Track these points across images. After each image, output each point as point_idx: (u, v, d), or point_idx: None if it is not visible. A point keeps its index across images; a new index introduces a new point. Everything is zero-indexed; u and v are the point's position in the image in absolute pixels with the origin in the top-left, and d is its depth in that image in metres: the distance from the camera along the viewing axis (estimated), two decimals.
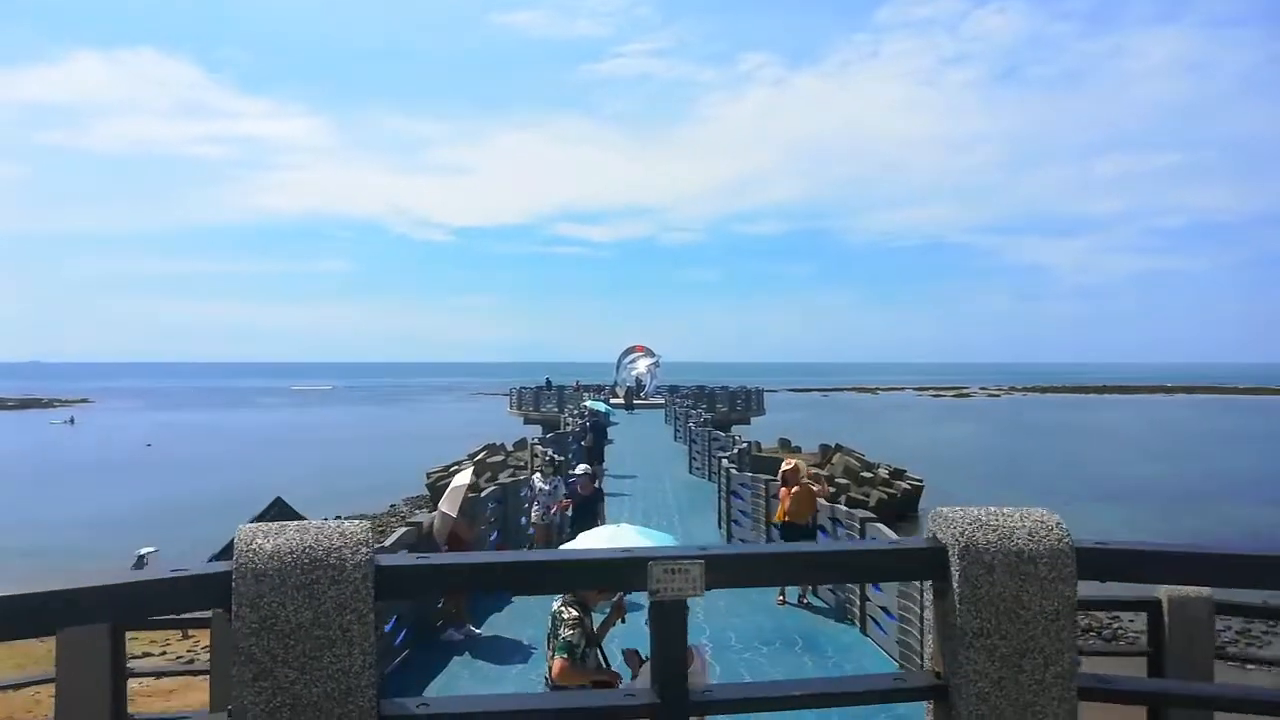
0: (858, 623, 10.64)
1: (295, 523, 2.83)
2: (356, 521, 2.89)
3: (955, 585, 2.94)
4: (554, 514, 13.39)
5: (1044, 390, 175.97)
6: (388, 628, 9.12)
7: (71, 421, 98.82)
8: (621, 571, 3.06)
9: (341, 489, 47.68)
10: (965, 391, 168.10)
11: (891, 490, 39.41)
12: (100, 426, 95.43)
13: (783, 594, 11.76)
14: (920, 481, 41.40)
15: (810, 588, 11.89)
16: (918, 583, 8.13)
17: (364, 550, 2.75)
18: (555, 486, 13.69)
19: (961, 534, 2.96)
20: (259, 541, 2.68)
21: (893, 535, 9.37)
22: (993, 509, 3.10)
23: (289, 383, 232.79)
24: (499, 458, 43.12)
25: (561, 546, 7.75)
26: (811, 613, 11.60)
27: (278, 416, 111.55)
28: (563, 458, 20.86)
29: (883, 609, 9.69)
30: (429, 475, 42.62)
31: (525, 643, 10.45)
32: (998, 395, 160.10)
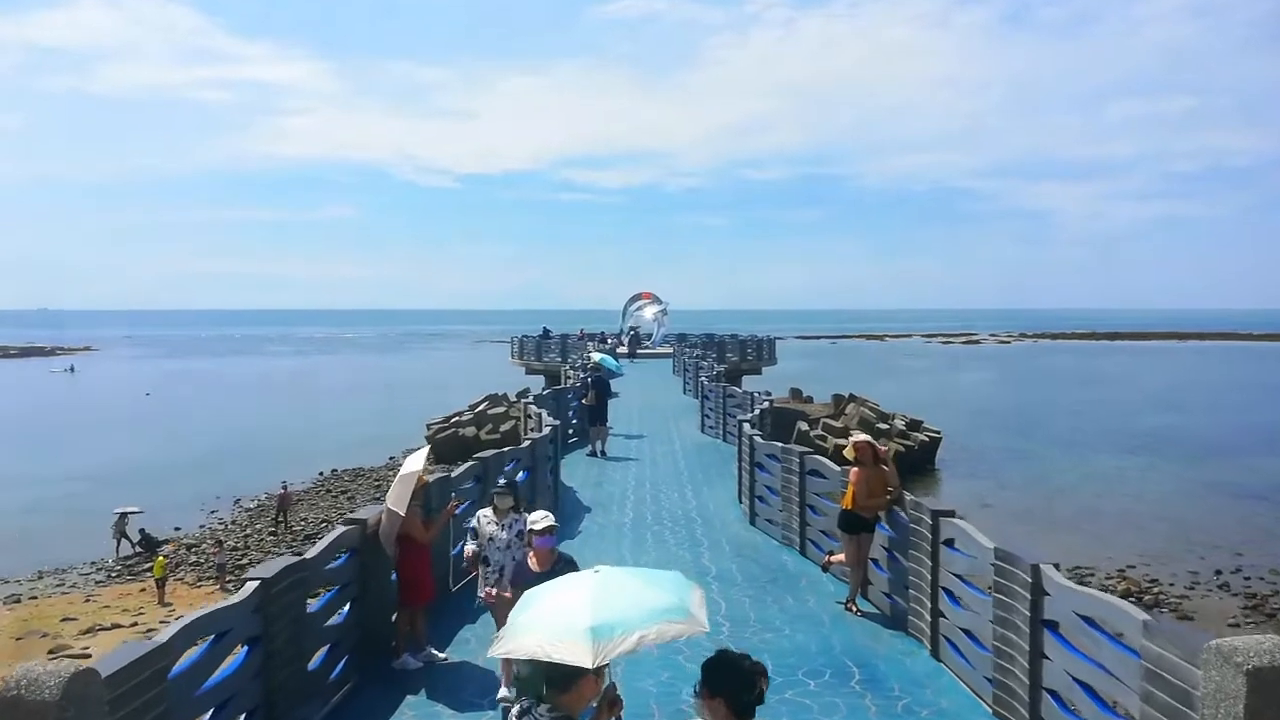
0: (927, 642, 8.29)
1: None
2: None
3: None
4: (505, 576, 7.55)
5: (1054, 337, 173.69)
6: (318, 660, 6.92)
7: (72, 370, 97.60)
8: None
9: (341, 439, 46.46)
10: (975, 338, 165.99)
11: (909, 442, 37.89)
12: (101, 375, 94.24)
13: (853, 600, 9.56)
14: (938, 433, 39.85)
15: (862, 590, 9.65)
16: (1025, 611, 6.43)
17: None
18: (514, 533, 7.71)
19: None
20: None
21: (974, 532, 7.44)
22: None
23: (295, 329, 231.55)
24: (500, 409, 41.64)
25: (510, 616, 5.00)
26: (866, 621, 9.25)
27: (281, 365, 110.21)
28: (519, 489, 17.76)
29: (965, 632, 7.54)
30: (429, 426, 41.24)
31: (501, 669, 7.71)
32: (1008, 342, 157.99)
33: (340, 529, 7.51)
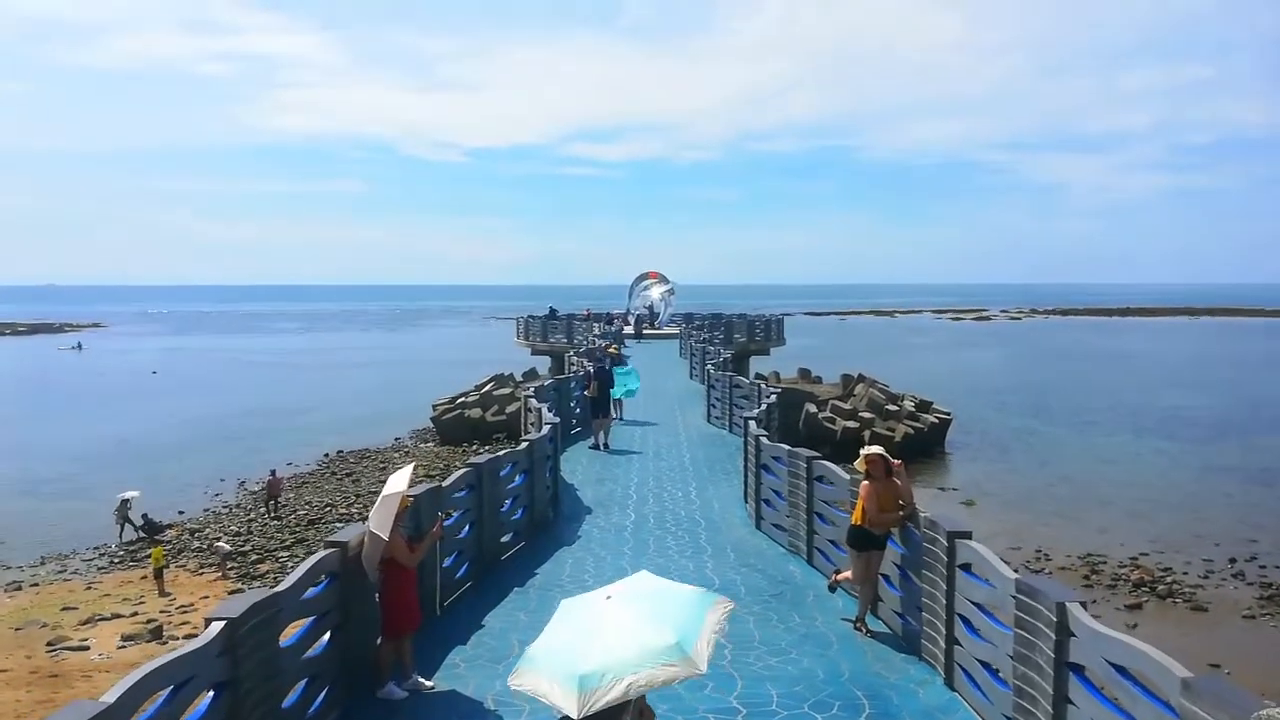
0: (941, 670, 7.77)
1: None
2: None
3: None
4: None
5: (1066, 313, 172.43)
6: (295, 695, 6.44)
7: (79, 347, 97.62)
8: None
9: (347, 418, 46.26)
10: (986, 315, 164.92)
11: (918, 424, 37.40)
12: (109, 352, 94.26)
13: (863, 619, 9.13)
14: (948, 415, 39.33)
15: (872, 608, 9.21)
16: (1049, 651, 5.93)
17: None
18: None
19: None
20: None
21: (993, 559, 6.89)
22: None
23: (302, 304, 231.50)
24: (507, 390, 41.27)
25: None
26: (876, 643, 8.73)
27: (288, 342, 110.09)
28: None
29: (983, 664, 7.03)
30: (435, 407, 40.89)
31: (497, 698, 7.32)
32: (1019, 318, 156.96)
33: (318, 554, 7.04)
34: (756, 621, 9.15)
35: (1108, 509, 28.02)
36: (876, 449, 8.93)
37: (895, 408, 38.65)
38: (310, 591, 6.81)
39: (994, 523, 25.85)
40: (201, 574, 22.56)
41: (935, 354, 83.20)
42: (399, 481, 7.25)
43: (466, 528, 10.27)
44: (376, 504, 7.21)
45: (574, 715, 4.44)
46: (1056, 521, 26.61)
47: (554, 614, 5.03)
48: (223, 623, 5.55)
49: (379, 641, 7.52)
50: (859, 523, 8.81)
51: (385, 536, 7.02)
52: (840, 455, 21.38)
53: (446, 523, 8.85)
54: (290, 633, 6.63)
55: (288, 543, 24.65)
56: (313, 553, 7.62)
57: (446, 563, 9.48)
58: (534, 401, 18.08)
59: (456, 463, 30.10)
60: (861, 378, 44.03)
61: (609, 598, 4.94)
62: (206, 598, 20.51)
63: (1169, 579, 21.60)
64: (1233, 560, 22.98)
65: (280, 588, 6.34)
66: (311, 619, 6.87)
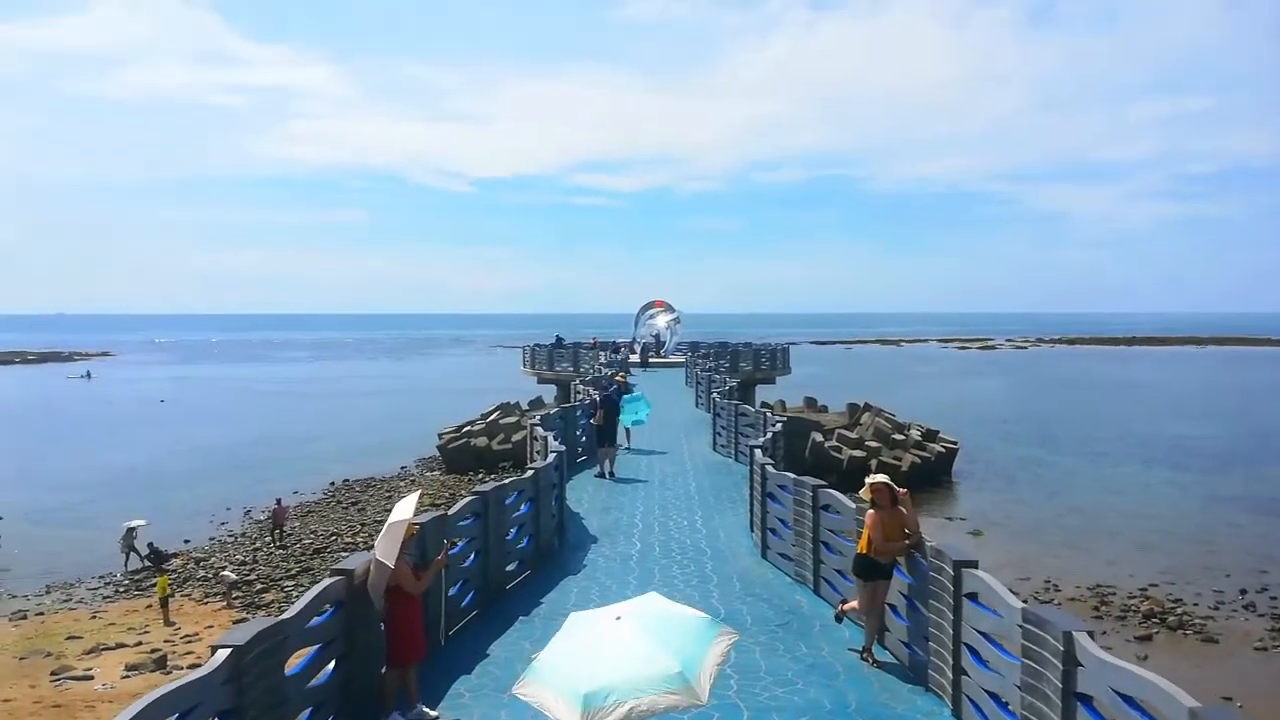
0: (948, 700, 7.66)
1: None
2: None
3: None
4: None
5: (1071, 342, 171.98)
6: None
7: (88, 375, 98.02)
8: None
9: (353, 447, 46.27)
10: (991, 344, 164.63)
11: (925, 454, 37.29)
12: (117, 381, 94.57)
13: (869, 649, 8.99)
14: (955, 444, 39.21)
15: (879, 638, 9.04)
16: (1056, 682, 5.89)
17: None
18: None
19: None
20: None
21: (1000, 588, 6.79)
22: None
23: (310, 333, 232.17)
24: (512, 419, 41.30)
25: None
26: (882, 673, 8.61)
27: (295, 371, 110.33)
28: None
29: (990, 694, 6.91)
30: (440, 436, 40.92)
31: None
32: (1024, 347, 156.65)
33: (324, 582, 7.04)
34: (763, 651, 9.09)
35: (1116, 540, 27.83)
36: (882, 477, 8.91)
37: (902, 437, 38.57)
38: (316, 619, 6.81)
39: (1002, 553, 25.68)
40: (206, 603, 22.51)
41: (941, 383, 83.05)
42: (404, 509, 7.26)
43: (472, 556, 10.23)
44: (382, 532, 7.22)
45: None
46: (1065, 552, 26.43)
47: (562, 626, 5.08)
48: (228, 650, 5.55)
49: (384, 670, 7.50)
50: (864, 552, 8.78)
51: (391, 564, 7.02)
52: (846, 484, 21.16)
53: (452, 551, 8.84)
54: (295, 661, 6.63)
55: (293, 571, 24.61)
56: (318, 581, 7.62)
57: (452, 591, 9.45)
58: (540, 429, 18.05)
59: (462, 491, 30.06)
60: (868, 407, 43.96)
61: (618, 618, 5.04)
62: (211, 627, 20.45)
63: (1179, 610, 21.41)
64: (1243, 591, 22.79)
65: (286, 615, 6.34)
66: (317, 647, 6.86)
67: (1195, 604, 21.91)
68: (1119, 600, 22.05)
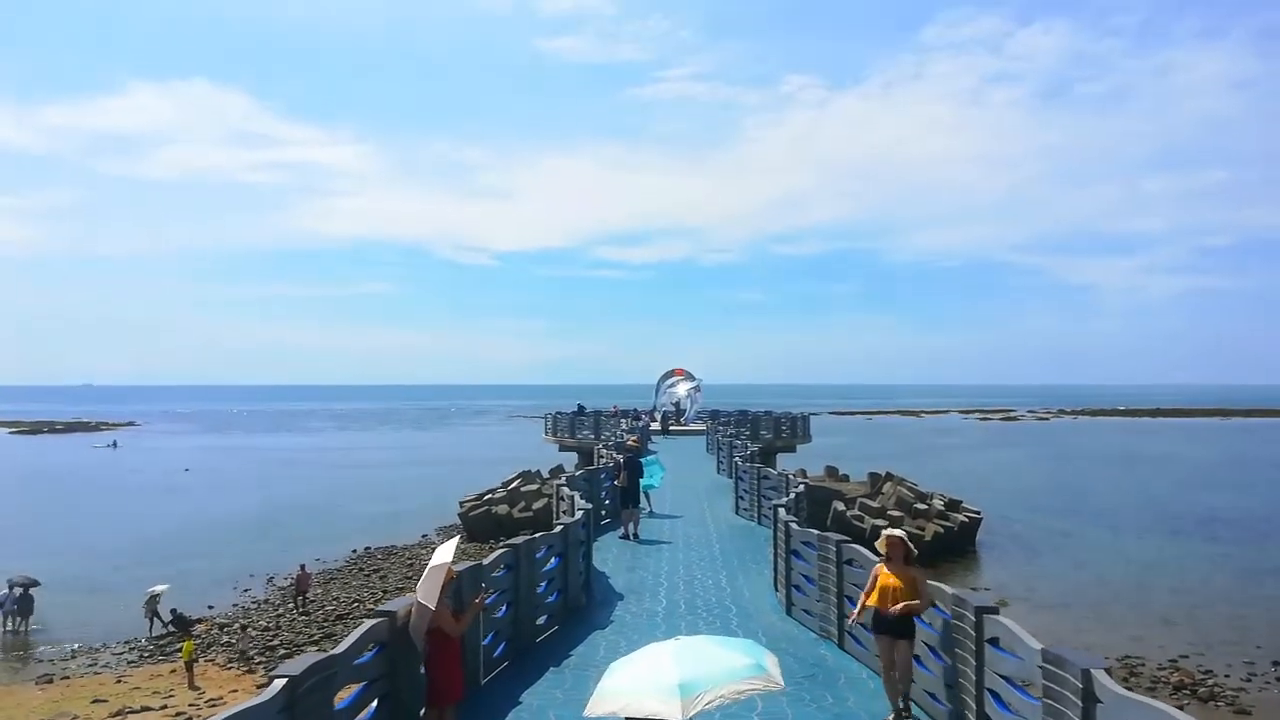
0: None
1: None
2: None
3: None
4: None
5: (1095, 413, 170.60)
6: None
7: (114, 445, 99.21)
8: None
9: (375, 515, 46.51)
10: (1013, 415, 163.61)
11: (948, 523, 37.05)
12: (142, 450, 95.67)
13: (899, 713, 8.74)
14: (978, 514, 38.96)
15: (903, 701, 8.73)
16: (1075, 717, 6.04)
17: None
18: None
19: None
20: None
21: (1020, 631, 6.94)
22: None
23: (335, 404, 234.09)
24: (533, 486, 41.52)
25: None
26: None
27: (319, 441, 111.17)
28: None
29: None
30: (462, 504, 41.12)
31: None
32: (1046, 418, 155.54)
33: (369, 622, 7.37)
34: (789, 702, 9.25)
35: (1144, 611, 27.42)
36: (899, 532, 9.09)
37: (924, 506, 38.39)
38: (361, 658, 7.12)
39: (1026, 624, 24.85)
40: (230, 668, 22.63)
41: (963, 453, 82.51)
42: (445, 553, 7.60)
43: (504, 608, 10.52)
44: (423, 575, 7.56)
45: (679, 719, 5.03)
46: (1091, 623, 26.07)
47: (605, 672, 5.58)
48: (284, 680, 5.87)
49: (423, 711, 7.76)
50: (871, 604, 8.90)
51: (433, 606, 7.33)
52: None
53: (487, 601, 9.12)
54: (343, 696, 6.92)
55: (315, 637, 24.70)
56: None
57: (485, 641, 9.71)
58: (566, 490, 18.40)
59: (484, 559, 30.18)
60: (890, 476, 43.85)
61: (677, 639, 5.68)
62: (235, 691, 20.53)
63: (1210, 681, 21.05)
64: (1276, 663, 22.36)
65: (336, 650, 6.66)
66: (362, 685, 7.15)
67: (1227, 675, 21.53)
68: (1148, 671, 21.71)
